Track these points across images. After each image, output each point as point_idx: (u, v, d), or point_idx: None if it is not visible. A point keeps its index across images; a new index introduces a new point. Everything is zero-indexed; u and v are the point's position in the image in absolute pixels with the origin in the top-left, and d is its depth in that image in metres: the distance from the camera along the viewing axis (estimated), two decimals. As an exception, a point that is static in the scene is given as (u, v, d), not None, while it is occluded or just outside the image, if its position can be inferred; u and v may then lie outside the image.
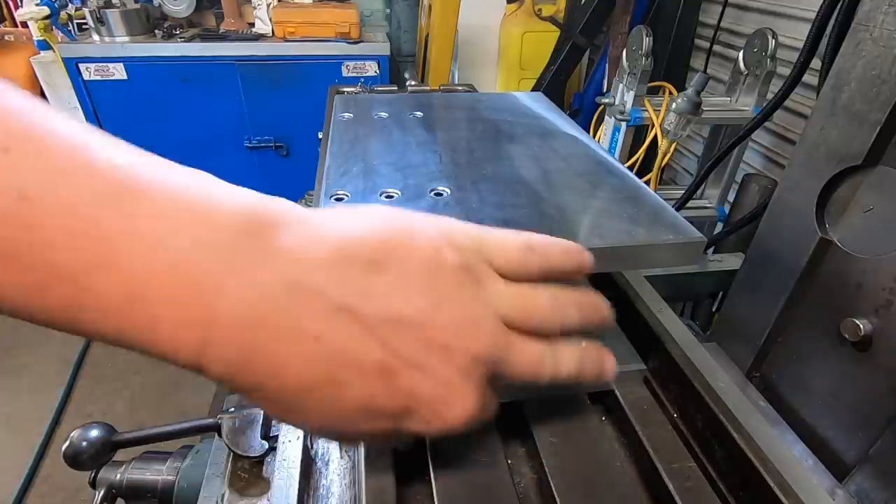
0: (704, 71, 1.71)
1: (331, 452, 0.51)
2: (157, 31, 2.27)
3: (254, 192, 0.29)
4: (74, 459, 0.55)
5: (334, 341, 0.28)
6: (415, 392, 0.30)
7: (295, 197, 1.52)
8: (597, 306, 0.38)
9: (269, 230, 0.27)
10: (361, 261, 0.29)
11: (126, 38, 2.21)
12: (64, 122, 0.25)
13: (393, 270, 0.29)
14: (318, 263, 0.28)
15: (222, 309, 0.26)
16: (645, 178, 1.26)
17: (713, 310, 1.27)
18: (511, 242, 0.34)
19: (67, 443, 0.56)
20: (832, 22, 0.77)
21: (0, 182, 0.22)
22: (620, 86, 1.38)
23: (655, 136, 1.31)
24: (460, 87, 1.22)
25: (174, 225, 0.25)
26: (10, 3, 3.87)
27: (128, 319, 0.25)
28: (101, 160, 0.25)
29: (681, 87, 1.34)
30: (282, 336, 0.27)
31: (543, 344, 0.35)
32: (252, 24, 2.40)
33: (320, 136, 1.00)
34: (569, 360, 0.36)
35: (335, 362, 0.28)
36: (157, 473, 0.65)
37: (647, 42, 1.25)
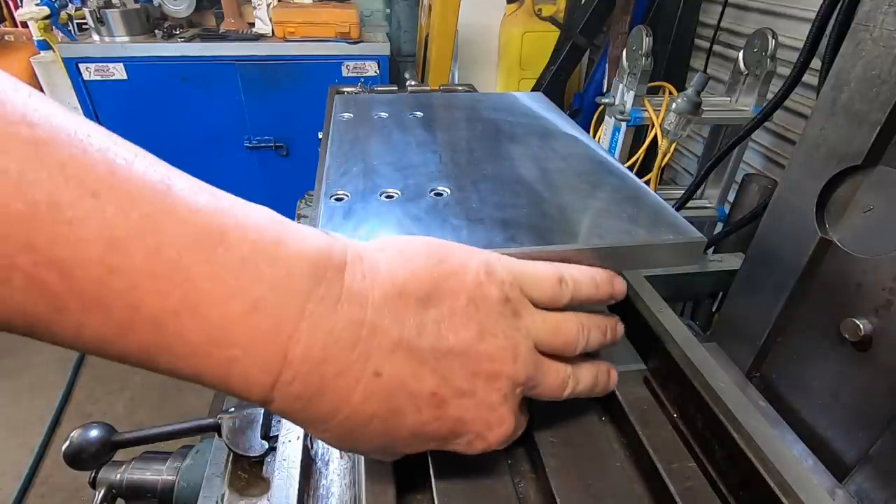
0: (704, 71, 1.71)
1: (331, 452, 0.51)
2: (157, 31, 2.27)
3: (318, 232, 0.31)
4: (74, 459, 0.55)
5: (393, 375, 0.30)
6: (462, 418, 0.32)
7: (295, 197, 1.52)
8: (614, 328, 0.42)
9: (335, 274, 0.29)
10: (415, 298, 0.31)
11: (126, 38, 2.21)
12: (144, 162, 0.26)
13: (443, 305, 0.31)
14: (379, 303, 0.30)
15: (294, 350, 0.27)
16: (645, 178, 1.25)
17: (713, 310, 1.27)
18: (545, 277, 0.37)
19: (67, 443, 0.56)
20: (832, 22, 0.77)
21: (90, 229, 0.22)
22: (620, 86, 1.38)
23: (655, 136, 1.31)
24: (460, 87, 1.22)
25: (253, 271, 0.26)
26: (10, 3, 3.87)
27: (205, 361, 0.26)
28: (183, 204, 0.25)
29: (681, 87, 1.34)
30: (346, 372, 0.28)
31: (566, 364, 0.38)
32: (252, 24, 2.40)
33: (320, 136, 1.00)
34: (586, 378, 0.40)
35: (393, 394, 0.30)
36: (157, 473, 0.65)
37: (647, 42, 1.25)
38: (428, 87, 1.27)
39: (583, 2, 2.20)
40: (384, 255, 0.32)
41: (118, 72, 2.18)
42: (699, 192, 1.42)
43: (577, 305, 0.39)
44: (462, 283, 0.32)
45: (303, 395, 0.28)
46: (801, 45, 0.88)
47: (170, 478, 0.64)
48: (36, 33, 2.51)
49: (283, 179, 2.56)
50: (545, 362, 0.36)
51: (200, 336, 0.25)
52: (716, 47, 1.77)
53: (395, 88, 1.23)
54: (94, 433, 0.56)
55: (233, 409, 0.58)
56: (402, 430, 0.32)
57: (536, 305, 0.36)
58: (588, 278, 0.39)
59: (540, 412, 0.50)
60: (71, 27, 2.32)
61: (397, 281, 0.31)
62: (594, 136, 1.48)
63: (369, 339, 0.29)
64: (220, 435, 0.56)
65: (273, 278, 0.26)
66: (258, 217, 0.29)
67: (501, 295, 0.33)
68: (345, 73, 2.34)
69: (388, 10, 2.89)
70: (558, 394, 0.38)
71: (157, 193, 0.25)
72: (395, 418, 0.31)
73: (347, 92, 1.14)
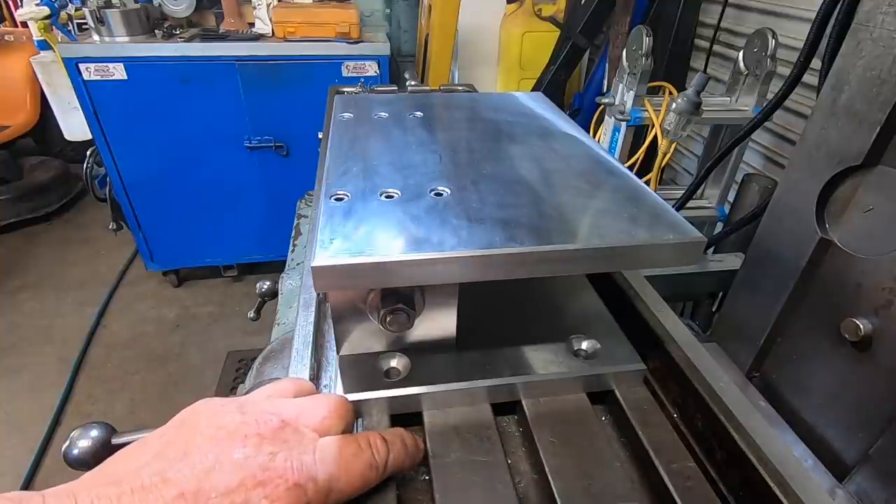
0: (704, 71, 1.71)
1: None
2: (157, 31, 2.26)
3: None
4: (74, 459, 0.55)
5: None
6: None
7: (295, 197, 1.52)
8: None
9: None
10: None
11: (126, 38, 2.20)
12: None
13: None
14: None
15: None
16: (645, 178, 1.25)
17: (713, 310, 1.27)
18: None
19: (67, 443, 0.56)
20: (832, 22, 0.77)
21: None
22: (620, 86, 1.38)
23: (655, 136, 1.31)
24: (460, 87, 1.22)
25: None
26: (10, 3, 3.88)
27: None
28: None
29: (681, 87, 1.34)
30: None
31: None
32: (252, 24, 2.39)
33: (320, 136, 1.00)
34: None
35: None
36: (157, 473, 0.64)
37: (647, 42, 1.25)
38: (428, 87, 1.27)
39: (583, 2, 2.20)
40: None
41: (118, 72, 2.17)
42: (699, 192, 1.42)
43: None
44: None
45: None
46: (801, 45, 0.88)
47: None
48: (36, 33, 2.51)
49: (283, 179, 2.55)
50: None
51: None
52: (716, 47, 1.77)
53: (395, 88, 1.23)
54: (94, 433, 0.56)
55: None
56: None
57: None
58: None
59: (540, 412, 0.50)
60: (71, 27, 2.32)
61: None
62: (594, 136, 1.48)
63: None
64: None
65: None
66: None
67: None
68: (345, 73, 2.34)
69: (388, 10, 2.89)
70: None
71: None
72: None
73: (347, 92, 1.14)
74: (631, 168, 1.38)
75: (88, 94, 2.19)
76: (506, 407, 0.52)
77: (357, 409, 0.49)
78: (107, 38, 2.20)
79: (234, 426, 0.35)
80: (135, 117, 2.28)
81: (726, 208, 1.42)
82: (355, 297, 0.49)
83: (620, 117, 1.35)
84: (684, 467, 0.44)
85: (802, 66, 0.89)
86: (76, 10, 2.31)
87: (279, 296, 1.07)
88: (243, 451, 0.34)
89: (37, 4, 2.28)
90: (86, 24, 2.22)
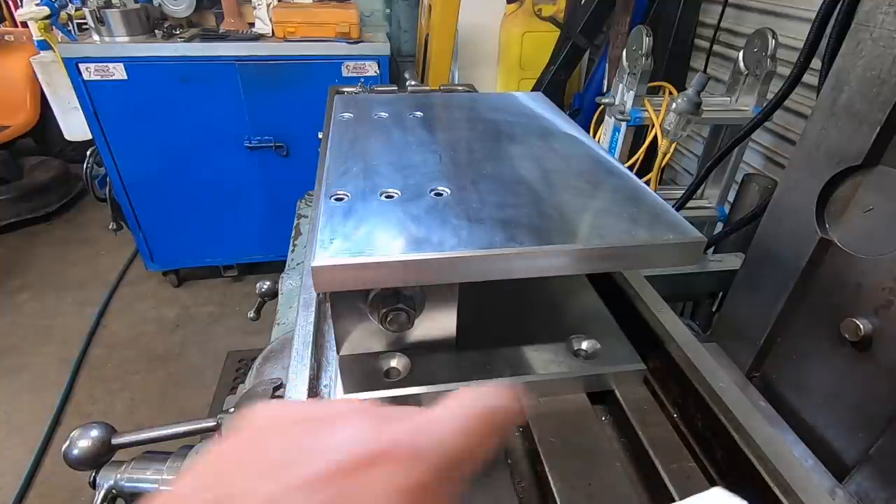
0: (704, 71, 1.71)
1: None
2: (157, 31, 2.26)
3: None
4: (74, 459, 0.55)
5: None
6: None
7: (295, 197, 1.52)
8: None
9: None
10: None
11: (126, 39, 2.20)
12: None
13: None
14: None
15: None
16: (645, 178, 1.25)
17: (713, 310, 1.27)
18: None
19: (67, 443, 0.56)
20: (832, 22, 0.77)
21: None
22: (620, 86, 1.38)
23: (655, 136, 1.31)
24: (460, 87, 1.22)
25: None
26: (10, 3, 3.88)
27: None
28: None
29: (681, 87, 1.34)
30: None
31: None
32: (252, 24, 2.39)
33: (320, 136, 1.00)
34: None
35: None
36: (157, 473, 0.65)
37: (647, 42, 1.25)
38: (428, 87, 1.27)
39: (583, 2, 2.20)
40: None
41: (118, 72, 2.17)
42: (699, 192, 1.42)
43: None
44: None
45: None
46: (801, 45, 0.88)
47: (170, 478, 0.64)
48: (36, 33, 2.51)
49: (283, 179, 2.56)
50: None
51: None
52: (716, 47, 1.77)
53: (395, 88, 1.23)
54: (94, 433, 0.56)
55: (233, 410, 0.58)
56: None
57: None
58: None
59: (540, 412, 0.50)
60: (71, 27, 2.32)
61: None
62: (594, 136, 1.48)
63: None
64: (220, 435, 0.56)
65: None
66: None
67: None
68: (345, 73, 2.34)
69: (388, 10, 2.89)
70: None
71: None
72: None
73: (347, 92, 1.14)
74: (631, 168, 1.38)
75: (88, 94, 2.19)
76: (506, 407, 0.52)
77: (357, 409, 0.49)
78: (107, 38, 2.20)
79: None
80: (135, 117, 2.27)
81: (726, 208, 1.42)
82: (355, 297, 0.49)
83: (620, 117, 1.35)
84: (684, 467, 0.45)
85: (802, 66, 0.89)
86: (76, 10, 2.31)
87: (279, 296, 1.07)
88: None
89: (37, 4, 2.28)
90: (86, 24, 2.22)
